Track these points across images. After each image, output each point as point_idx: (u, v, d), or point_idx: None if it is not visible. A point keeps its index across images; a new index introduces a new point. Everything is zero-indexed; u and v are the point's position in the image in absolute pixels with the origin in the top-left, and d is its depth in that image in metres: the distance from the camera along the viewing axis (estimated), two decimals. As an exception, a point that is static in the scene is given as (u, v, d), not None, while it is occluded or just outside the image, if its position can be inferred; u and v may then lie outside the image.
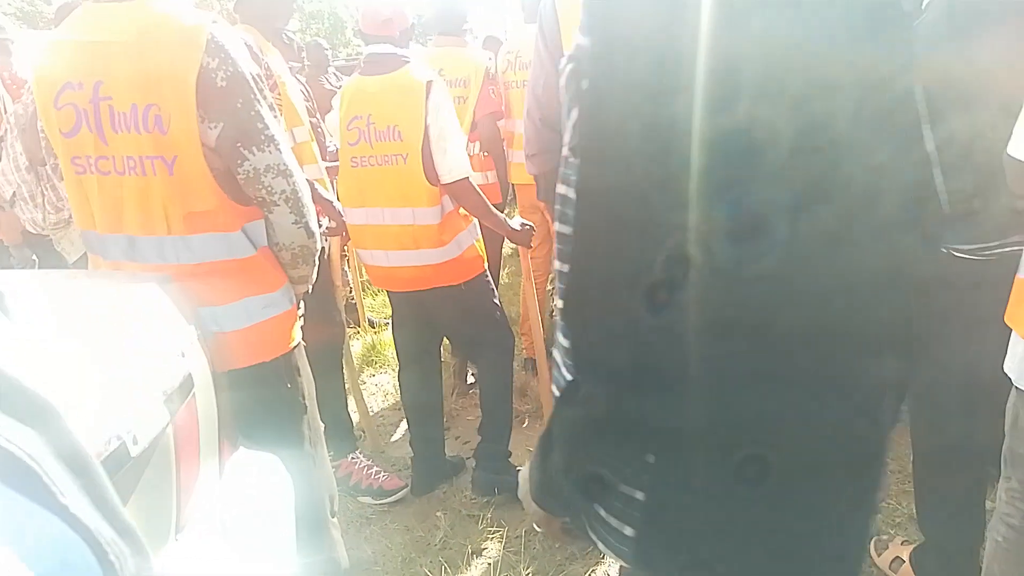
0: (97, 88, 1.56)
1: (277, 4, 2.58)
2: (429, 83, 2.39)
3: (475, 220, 2.58)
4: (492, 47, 5.11)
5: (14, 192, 3.00)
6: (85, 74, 1.58)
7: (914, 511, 2.21)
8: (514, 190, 4.12)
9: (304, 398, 1.86)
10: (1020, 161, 1.40)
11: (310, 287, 1.91)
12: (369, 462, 3.04)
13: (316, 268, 1.86)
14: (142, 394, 1.20)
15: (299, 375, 1.85)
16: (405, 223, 2.57)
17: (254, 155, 1.62)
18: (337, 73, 6.65)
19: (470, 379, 3.98)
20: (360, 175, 2.63)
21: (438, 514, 2.81)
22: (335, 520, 2.05)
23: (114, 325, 1.32)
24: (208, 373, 1.50)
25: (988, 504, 1.97)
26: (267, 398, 1.77)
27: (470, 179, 2.45)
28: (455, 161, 2.42)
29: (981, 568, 1.74)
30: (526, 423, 3.54)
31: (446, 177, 2.44)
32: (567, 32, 2.02)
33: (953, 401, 1.64)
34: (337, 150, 2.83)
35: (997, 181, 1.59)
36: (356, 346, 4.50)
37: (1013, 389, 1.58)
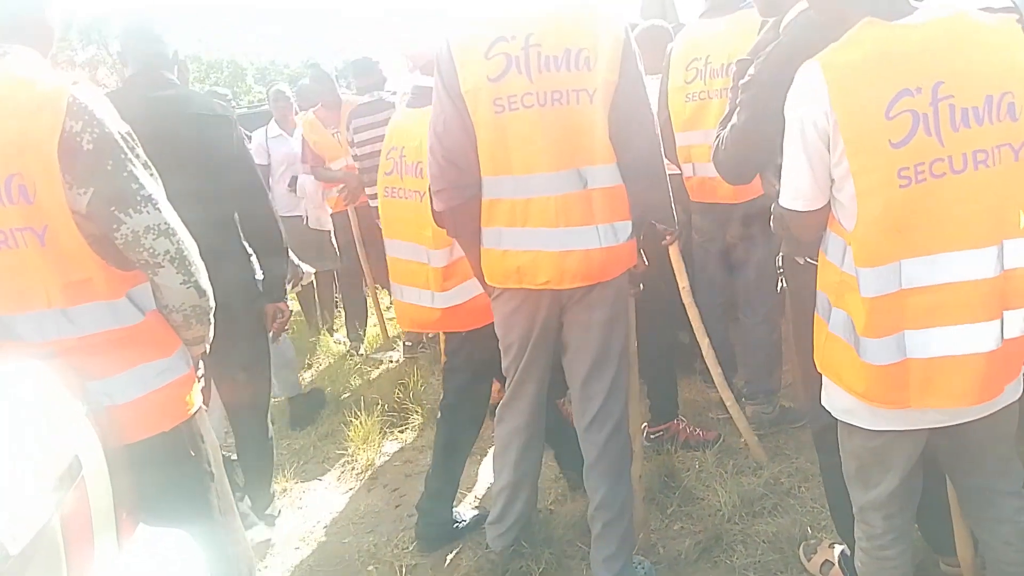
0: None
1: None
2: None
3: None
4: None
5: None
6: None
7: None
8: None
9: (210, 465, 1.77)
10: (788, 210, 1.63)
11: (207, 347, 1.83)
12: None
13: (211, 327, 1.79)
14: (22, 486, 1.11)
15: (203, 441, 1.76)
16: (420, 261, 2.63)
17: (131, 217, 1.55)
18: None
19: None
20: (390, 206, 2.77)
21: (370, 568, 2.73)
22: (256, 591, 1.96)
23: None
24: (99, 451, 1.41)
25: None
26: (169, 470, 1.67)
27: None
28: None
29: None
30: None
31: None
32: (463, 73, 2.05)
33: None
34: None
35: None
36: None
37: (837, 421, 1.71)
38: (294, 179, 5.26)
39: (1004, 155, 1.43)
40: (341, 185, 4.95)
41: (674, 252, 2.85)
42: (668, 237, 2.65)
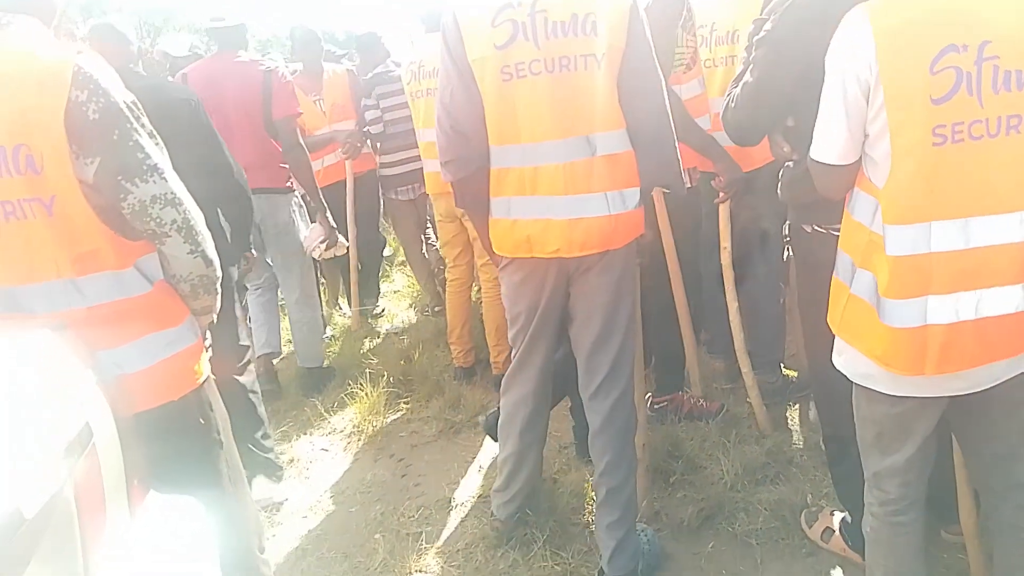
0: None
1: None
2: None
3: None
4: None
5: None
6: None
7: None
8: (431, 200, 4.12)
9: (219, 434, 1.79)
10: (819, 163, 1.60)
11: (215, 317, 1.84)
12: None
13: (219, 296, 1.80)
14: (34, 452, 1.13)
15: (211, 410, 1.78)
16: None
17: (137, 187, 1.56)
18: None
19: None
20: None
21: (376, 536, 2.76)
22: (265, 557, 1.98)
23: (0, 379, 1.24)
24: (110, 420, 1.42)
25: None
26: (179, 438, 1.69)
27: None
28: None
29: None
30: (459, 433, 3.52)
31: None
32: (470, 42, 2.04)
33: (841, 377, 1.73)
34: None
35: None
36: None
37: (853, 384, 1.70)
38: None
39: None
40: (338, 148, 4.59)
41: (723, 211, 2.82)
42: (721, 195, 2.64)
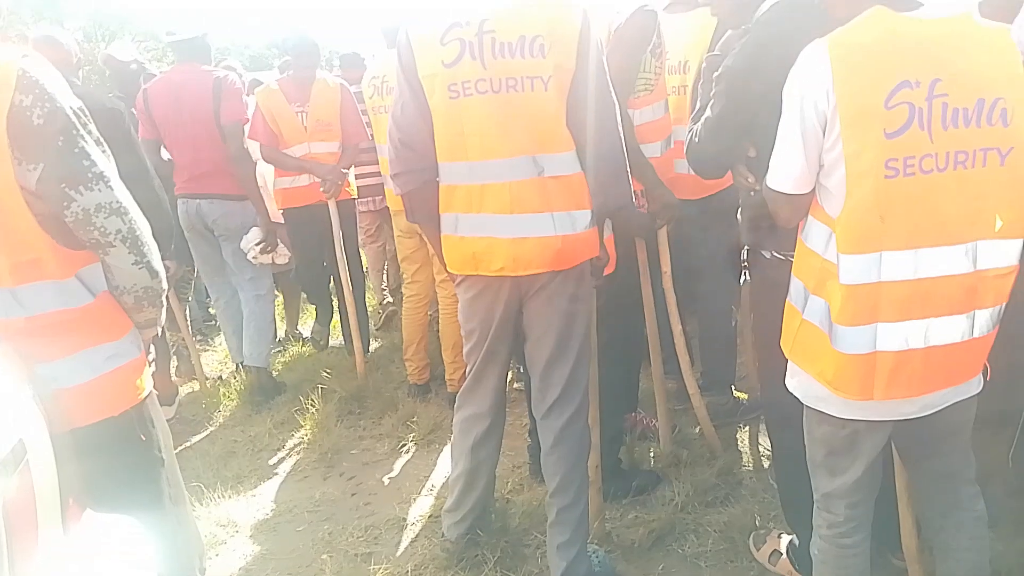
0: None
1: None
2: None
3: None
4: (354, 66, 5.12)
5: None
6: None
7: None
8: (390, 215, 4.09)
9: (160, 451, 1.74)
10: (775, 191, 1.64)
11: (159, 330, 1.79)
12: None
13: (163, 310, 1.75)
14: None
15: (153, 426, 1.72)
16: None
17: (82, 195, 1.51)
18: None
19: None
20: None
21: (324, 557, 2.70)
22: (207, 578, 1.93)
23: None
24: (46, 436, 1.37)
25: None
26: (118, 455, 1.63)
27: None
28: None
29: None
30: (412, 451, 3.48)
31: None
32: (420, 59, 2.07)
33: (793, 400, 1.76)
34: None
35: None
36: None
37: (804, 406, 1.75)
38: None
39: (990, 158, 1.46)
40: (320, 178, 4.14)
41: (661, 236, 2.85)
42: (659, 221, 2.68)
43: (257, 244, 4.07)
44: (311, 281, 4.77)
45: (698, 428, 3.10)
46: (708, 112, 1.94)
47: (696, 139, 2.00)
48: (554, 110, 2.04)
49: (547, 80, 2.00)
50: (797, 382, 1.74)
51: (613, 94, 2.12)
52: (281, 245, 4.19)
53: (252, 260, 4.12)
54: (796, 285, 1.69)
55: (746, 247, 2.15)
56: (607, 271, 2.48)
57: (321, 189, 4.11)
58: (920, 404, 1.61)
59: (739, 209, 2.04)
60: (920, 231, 1.47)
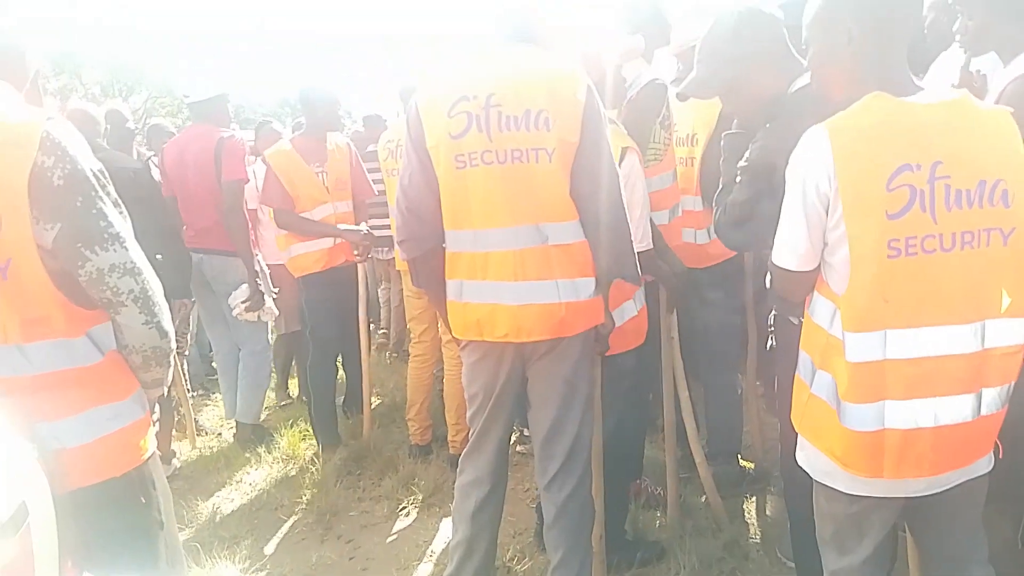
0: None
1: None
2: (625, 149, 2.46)
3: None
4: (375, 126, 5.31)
5: None
6: None
7: None
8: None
9: (160, 513, 1.71)
10: (780, 268, 1.66)
11: (165, 390, 1.79)
12: None
13: (170, 370, 1.75)
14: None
15: (154, 488, 1.70)
16: None
17: (97, 255, 1.53)
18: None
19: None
20: None
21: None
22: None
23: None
24: (48, 497, 1.35)
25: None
26: (117, 517, 1.61)
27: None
28: (637, 231, 2.41)
29: None
30: (412, 514, 3.42)
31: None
32: (429, 130, 2.12)
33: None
34: None
35: None
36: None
37: (813, 481, 1.74)
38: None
39: (993, 239, 1.48)
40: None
41: (664, 302, 2.85)
42: (667, 288, 2.69)
43: (243, 302, 4.08)
44: (329, 343, 4.27)
45: (703, 498, 3.05)
46: (736, 194, 2.03)
47: (724, 218, 2.10)
48: (558, 181, 2.07)
49: (551, 152, 2.04)
50: (806, 456, 1.72)
51: (616, 165, 2.16)
52: (269, 304, 4.17)
53: (238, 317, 4.13)
54: (804, 358, 1.69)
55: (773, 313, 2.17)
56: (633, 345, 2.49)
57: (355, 253, 3.97)
58: (929, 481, 1.59)
59: (767, 275, 2.09)
60: (924, 310, 1.48)
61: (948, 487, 1.60)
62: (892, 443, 1.51)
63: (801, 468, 1.75)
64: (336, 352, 4.40)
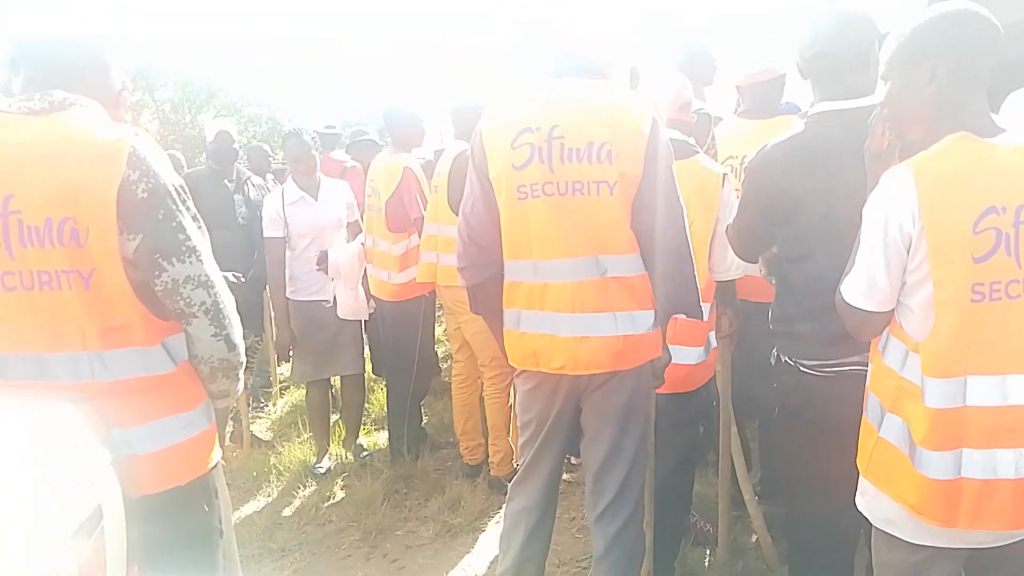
0: (7, 202, 1.52)
1: None
2: (724, 176, 2.59)
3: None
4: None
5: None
6: None
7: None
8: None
9: (220, 522, 1.76)
10: (855, 308, 1.64)
11: (232, 402, 1.84)
12: None
13: (240, 383, 1.80)
14: (47, 531, 1.11)
15: (216, 497, 1.75)
16: None
17: (173, 266, 1.59)
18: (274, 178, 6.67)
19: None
20: None
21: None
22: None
23: (19, 450, 1.23)
24: (120, 502, 1.41)
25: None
26: (180, 524, 1.66)
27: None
28: (734, 259, 2.52)
29: None
30: (457, 536, 3.43)
31: (723, 274, 2.64)
32: (492, 162, 2.15)
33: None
34: None
35: (815, 307, 1.96)
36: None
37: (873, 528, 1.71)
38: (323, 254, 3.99)
39: None
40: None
41: (723, 345, 2.84)
42: (724, 323, 2.70)
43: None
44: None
45: (754, 537, 2.99)
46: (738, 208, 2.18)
47: (732, 226, 2.27)
48: (619, 213, 2.07)
49: (613, 185, 2.04)
50: (867, 501, 1.69)
51: (680, 198, 2.15)
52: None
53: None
54: (872, 400, 1.66)
55: (775, 353, 2.26)
56: (700, 383, 2.48)
57: None
58: (997, 534, 1.54)
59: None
60: (1008, 357, 1.45)
61: (1016, 540, 1.55)
62: (970, 492, 1.47)
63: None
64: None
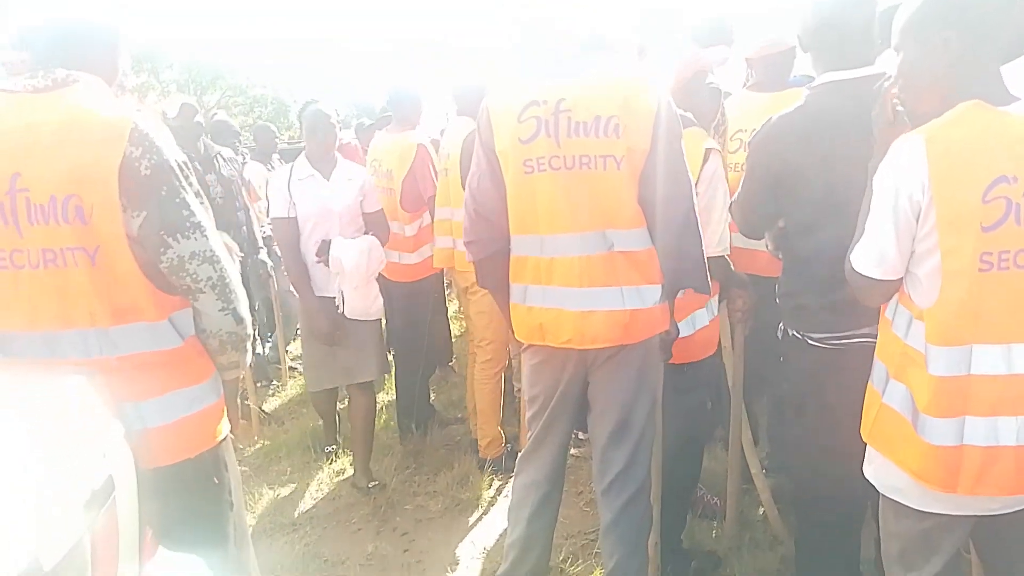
0: (14, 180, 1.52)
1: None
2: (708, 151, 2.45)
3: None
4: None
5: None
6: (1, 167, 1.54)
7: None
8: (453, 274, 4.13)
9: (230, 494, 1.78)
10: (864, 276, 1.63)
11: (241, 373, 1.86)
12: None
13: (248, 354, 1.81)
14: (58, 502, 1.13)
15: (226, 470, 1.77)
16: None
17: (178, 242, 1.60)
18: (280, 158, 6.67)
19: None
20: None
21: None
22: (263, 625, 1.94)
23: (30, 422, 1.25)
24: (132, 473, 1.42)
25: None
26: (191, 496, 1.68)
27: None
28: (715, 235, 2.43)
29: None
30: (466, 511, 3.46)
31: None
32: (499, 136, 2.14)
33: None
34: None
35: (823, 279, 1.98)
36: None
37: (881, 496, 1.72)
38: (324, 244, 3.42)
39: None
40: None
41: (724, 314, 2.83)
42: (739, 302, 2.67)
43: None
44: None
45: (761, 510, 3.01)
46: (743, 182, 2.19)
47: (735, 201, 2.30)
48: (626, 188, 2.06)
49: (620, 160, 2.03)
50: (874, 469, 1.69)
51: (688, 172, 2.14)
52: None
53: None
54: (878, 368, 1.67)
55: (782, 327, 2.26)
56: (703, 356, 2.48)
57: None
58: (1004, 500, 1.54)
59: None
60: (1015, 326, 1.44)
61: (1022, 507, 1.55)
62: (971, 459, 1.48)
63: (867, 481, 1.72)
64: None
